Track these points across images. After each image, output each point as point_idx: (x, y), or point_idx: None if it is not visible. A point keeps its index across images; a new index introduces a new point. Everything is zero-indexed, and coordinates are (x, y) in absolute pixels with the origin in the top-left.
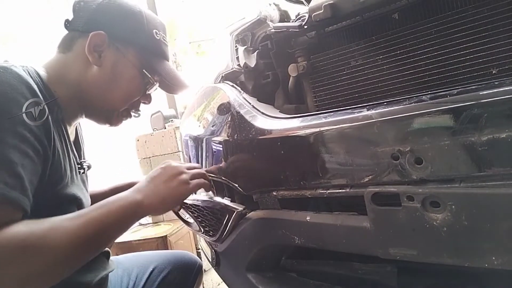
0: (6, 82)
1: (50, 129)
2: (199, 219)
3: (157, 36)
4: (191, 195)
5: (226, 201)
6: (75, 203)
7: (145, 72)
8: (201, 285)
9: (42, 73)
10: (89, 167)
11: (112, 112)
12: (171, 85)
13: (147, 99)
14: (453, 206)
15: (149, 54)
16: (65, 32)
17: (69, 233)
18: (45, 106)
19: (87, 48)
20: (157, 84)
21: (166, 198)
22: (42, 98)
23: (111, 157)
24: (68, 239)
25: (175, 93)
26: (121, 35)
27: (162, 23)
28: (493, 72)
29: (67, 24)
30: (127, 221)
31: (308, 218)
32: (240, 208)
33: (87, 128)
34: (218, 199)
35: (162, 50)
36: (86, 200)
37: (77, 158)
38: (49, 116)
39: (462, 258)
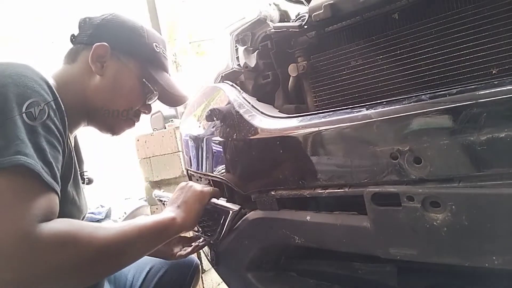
0: (32, 79)
1: (66, 125)
2: None
3: (157, 49)
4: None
5: (221, 201)
6: (75, 206)
7: (145, 81)
8: (201, 285)
9: (51, 81)
10: (90, 180)
11: (114, 120)
12: (170, 95)
13: (147, 108)
14: (453, 206)
15: (149, 65)
16: (71, 45)
17: (111, 233)
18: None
19: (90, 58)
20: (157, 94)
21: (191, 208)
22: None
23: (111, 157)
24: (113, 237)
25: (174, 105)
26: (122, 47)
27: (162, 39)
28: (493, 72)
29: (73, 38)
30: (161, 235)
31: (308, 217)
32: (235, 208)
33: (87, 131)
34: (214, 199)
35: (161, 62)
36: (85, 208)
37: (77, 166)
38: (64, 114)
39: (462, 257)
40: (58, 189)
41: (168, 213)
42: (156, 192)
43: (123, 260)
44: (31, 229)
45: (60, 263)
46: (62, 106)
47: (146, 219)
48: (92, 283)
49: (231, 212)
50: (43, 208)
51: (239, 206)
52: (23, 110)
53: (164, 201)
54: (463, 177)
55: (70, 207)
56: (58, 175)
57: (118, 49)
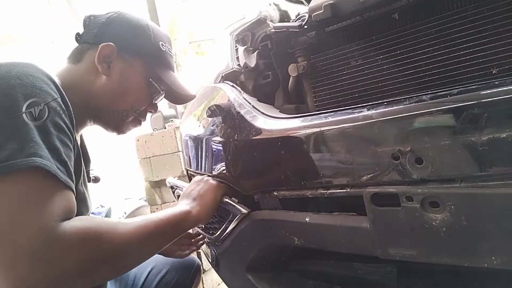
0: (39, 78)
1: (74, 123)
2: None
3: (163, 48)
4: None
5: (233, 201)
6: (84, 204)
7: (152, 81)
8: (201, 285)
9: (57, 80)
10: (96, 179)
11: (120, 120)
12: (176, 94)
13: (153, 108)
14: (452, 206)
15: (155, 65)
16: (75, 44)
17: (131, 228)
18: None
19: (96, 59)
20: (163, 94)
21: (206, 201)
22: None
23: (112, 157)
24: (134, 232)
25: (180, 103)
26: (128, 46)
27: (168, 36)
28: (493, 72)
29: (78, 37)
30: (177, 228)
31: (307, 219)
32: (245, 211)
33: (87, 131)
34: (226, 198)
35: (167, 61)
36: (90, 206)
37: (84, 164)
38: (72, 112)
39: (461, 258)
40: (74, 187)
41: (183, 206)
42: (170, 179)
43: (142, 254)
44: (53, 229)
45: (84, 260)
46: (70, 105)
47: (162, 213)
48: (115, 277)
49: (240, 214)
50: (62, 207)
51: (248, 210)
52: (31, 109)
53: (176, 188)
54: (465, 177)
55: (79, 205)
56: (73, 173)
57: (124, 48)
